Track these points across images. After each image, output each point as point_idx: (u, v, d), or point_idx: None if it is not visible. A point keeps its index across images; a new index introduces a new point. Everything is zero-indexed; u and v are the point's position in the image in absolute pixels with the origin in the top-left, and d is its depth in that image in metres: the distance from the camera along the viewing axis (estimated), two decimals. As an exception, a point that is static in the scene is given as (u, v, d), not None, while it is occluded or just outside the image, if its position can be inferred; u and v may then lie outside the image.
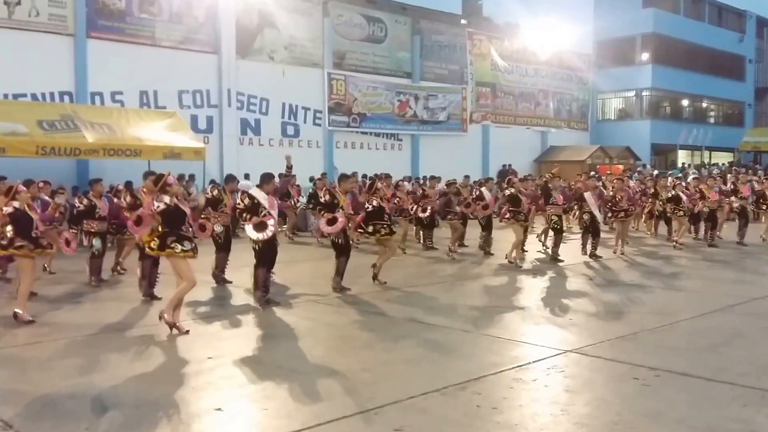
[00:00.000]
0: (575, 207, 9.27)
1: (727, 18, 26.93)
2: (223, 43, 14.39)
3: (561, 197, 8.61)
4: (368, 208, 6.72)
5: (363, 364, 4.11)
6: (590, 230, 8.74)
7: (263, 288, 5.70)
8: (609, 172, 15.02)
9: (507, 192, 8.28)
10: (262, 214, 5.53)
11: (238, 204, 5.63)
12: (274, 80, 15.16)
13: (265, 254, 5.63)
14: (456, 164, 17.09)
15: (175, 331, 4.74)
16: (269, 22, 15.12)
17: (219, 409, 3.34)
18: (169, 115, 12.61)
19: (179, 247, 4.70)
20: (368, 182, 7.64)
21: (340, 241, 6.22)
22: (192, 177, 12.25)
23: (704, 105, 26.98)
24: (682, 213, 9.85)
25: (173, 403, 3.45)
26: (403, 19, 18.12)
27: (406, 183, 12.52)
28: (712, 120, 27.43)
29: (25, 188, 5.39)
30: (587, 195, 8.66)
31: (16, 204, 5.17)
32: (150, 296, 5.94)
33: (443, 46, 18.88)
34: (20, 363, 4.14)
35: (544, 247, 9.43)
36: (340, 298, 6.16)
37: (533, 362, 4.10)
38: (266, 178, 5.76)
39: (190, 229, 4.93)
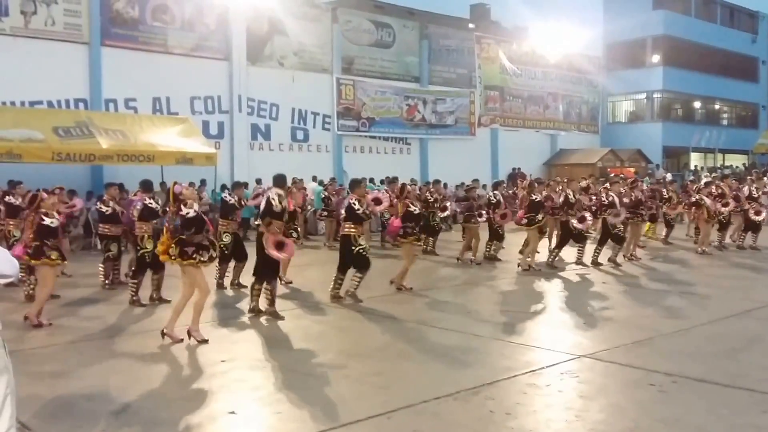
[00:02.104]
0: (604, 212, 8.72)
1: (739, 19, 26.60)
2: (234, 49, 14.56)
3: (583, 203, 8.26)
4: (415, 210, 6.67)
5: (375, 368, 4.10)
6: (614, 237, 8.34)
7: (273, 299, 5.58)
8: (622, 175, 14.83)
9: (534, 197, 7.98)
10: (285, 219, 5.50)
11: (276, 206, 5.41)
12: (284, 86, 15.30)
13: (269, 264, 5.48)
14: (465, 168, 17.07)
15: (193, 340, 4.67)
16: (279, 29, 15.28)
17: (232, 413, 3.35)
18: (181, 121, 12.78)
19: (198, 257, 4.62)
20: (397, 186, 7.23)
21: (364, 252, 6.03)
22: (203, 182, 12.40)
23: (717, 107, 26.62)
24: (707, 216, 9.49)
25: (187, 406, 3.47)
26: (411, 24, 18.19)
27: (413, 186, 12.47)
28: (725, 122, 27.04)
29: (47, 195, 5.43)
30: (616, 200, 8.39)
31: (46, 219, 5.23)
32: (138, 302, 5.95)
33: (451, 50, 18.91)
34: (37, 365, 4.20)
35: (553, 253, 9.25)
36: (351, 302, 6.15)
37: (546, 367, 4.06)
38: (280, 181, 5.69)
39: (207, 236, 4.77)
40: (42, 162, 10.26)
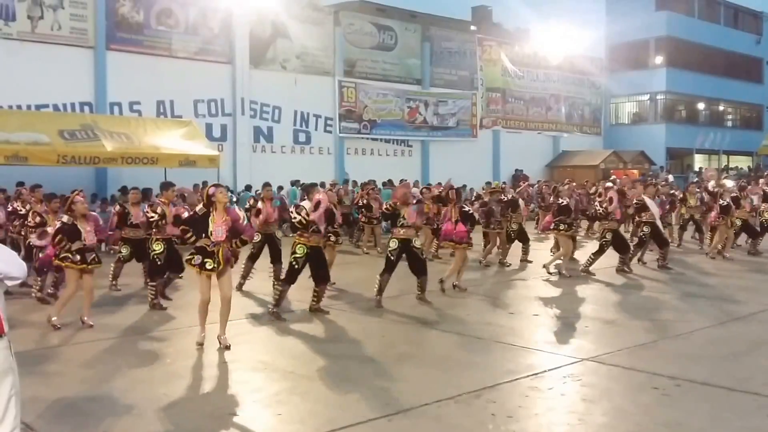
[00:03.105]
0: (635, 216, 8.45)
1: (743, 20, 26.53)
2: (237, 53, 14.65)
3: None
4: (470, 210, 6.70)
5: (376, 371, 4.10)
6: (653, 239, 8.04)
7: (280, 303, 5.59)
8: (625, 176, 14.75)
9: (561, 201, 7.77)
10: (311, 229, 5.42)
11: (294, 217, 5.39)
12: (287, 89, 15.37)
13: (297, 271, 5.46)
14: (466, 170, 17.07)
15: (194, 343, 4.63)
16: (282, 33, 15.36)
17: (233, 414, 3.37)
18: (184, 124, 12.86)
19: (193, 260, 4.56)
20: (447, 191, 6.84)
21: (391, 257, 5.97)
22: (206, 184, 12.43)
23: (721, 108, 26.52)
24: (729, 222, 9.24)
25: (189, 407, 3.49)
26: (413, 27, 18.24)
27: (415, 189, 12.43)
28: (729, 123, 26.94)
29: (81, 199, 5.36)
30: (649, 202, 8.08)
31: (64, 218, 5.24)
32: (158, 306, 5.93)
33: (453, 52, 18.94)
34: (41, 366, 4.22)
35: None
36: (355, 304, 6.16)
37: (549, 370, 4.05)
38: (310, 189, 5.63)
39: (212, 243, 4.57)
40: (47, 165, 10.34)
